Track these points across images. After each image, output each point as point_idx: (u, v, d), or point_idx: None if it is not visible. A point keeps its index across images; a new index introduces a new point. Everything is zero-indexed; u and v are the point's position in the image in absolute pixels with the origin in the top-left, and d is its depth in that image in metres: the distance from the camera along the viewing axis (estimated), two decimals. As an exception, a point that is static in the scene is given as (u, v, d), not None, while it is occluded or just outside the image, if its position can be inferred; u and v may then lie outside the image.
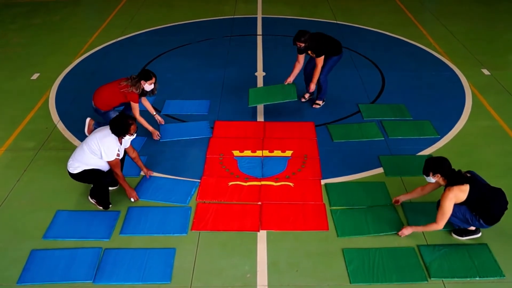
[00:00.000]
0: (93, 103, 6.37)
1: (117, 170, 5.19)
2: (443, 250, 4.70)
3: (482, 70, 8.63)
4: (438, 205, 4.68)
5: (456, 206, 4.63)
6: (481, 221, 4.65)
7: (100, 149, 5.01)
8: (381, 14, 11.75)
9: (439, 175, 4.67)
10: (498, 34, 10.39)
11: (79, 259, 4.64)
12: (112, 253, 4.72)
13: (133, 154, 5.51)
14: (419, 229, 4.86)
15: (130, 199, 5.38)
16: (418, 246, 4.78)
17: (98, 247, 4.79)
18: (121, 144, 5.17)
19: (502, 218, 4.66)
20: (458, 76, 8.40)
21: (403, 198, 5.28)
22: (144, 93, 6.26)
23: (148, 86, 6.18)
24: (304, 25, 10.85)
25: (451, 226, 4.93)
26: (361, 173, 5.91)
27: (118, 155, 5.12)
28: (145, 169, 5.70)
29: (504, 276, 4.44)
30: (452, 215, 4.63)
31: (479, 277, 4.42)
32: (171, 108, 7.38)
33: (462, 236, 4.84)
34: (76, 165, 5.11)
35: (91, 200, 5.36)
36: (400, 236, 4.90)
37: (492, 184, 4.73)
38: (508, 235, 4.92)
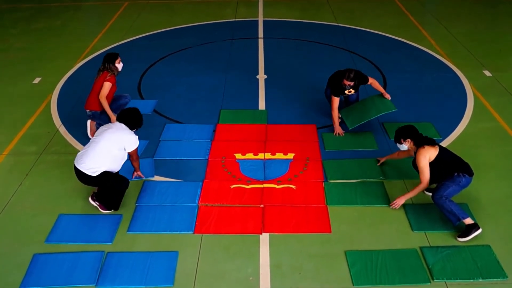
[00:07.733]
0: (87, 111, 6.52)
1: (137, 154, 5.53)
2: (445, 252, 4.69)
3: (484, 71, 8.63)
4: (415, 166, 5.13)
5: (446, 184, 4.89)
6: (466, 175, 4.94)
7: (123, 142, 5.18)
8: (382, 16, 11.76)
9: (410, 140, 5.15)
10: (499, 36, 10.39)
11: (82, 263, 4.63)
12: (115, 257, 4.72)
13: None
14: (409, 195, 5.19)
15: (139, 176, 5.74)
16: (420, 248, 4.77)
17: (101, 250, 4.79)
18: None
19: (505, 219, 4.62)
20: (459, 78, 8.40)
21: (384, 159, 5.94)
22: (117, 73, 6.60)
23: (119, 66, 6.55)
24: (305, 28, 10.93)
25: (454, 228, 4.94)
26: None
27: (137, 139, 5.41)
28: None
29: (507, 277, 4.43)
30: (447, 196, 4.84)
31: (482, 278, 4.41)
32: (170, 133, 6.83)
33: (467, 236, 4.81)
34: (97, 165, 5.05)
35: (93, 202, 5.34)
36: (396, 207, 5.22)
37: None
38: (511, 237, 4.91)
